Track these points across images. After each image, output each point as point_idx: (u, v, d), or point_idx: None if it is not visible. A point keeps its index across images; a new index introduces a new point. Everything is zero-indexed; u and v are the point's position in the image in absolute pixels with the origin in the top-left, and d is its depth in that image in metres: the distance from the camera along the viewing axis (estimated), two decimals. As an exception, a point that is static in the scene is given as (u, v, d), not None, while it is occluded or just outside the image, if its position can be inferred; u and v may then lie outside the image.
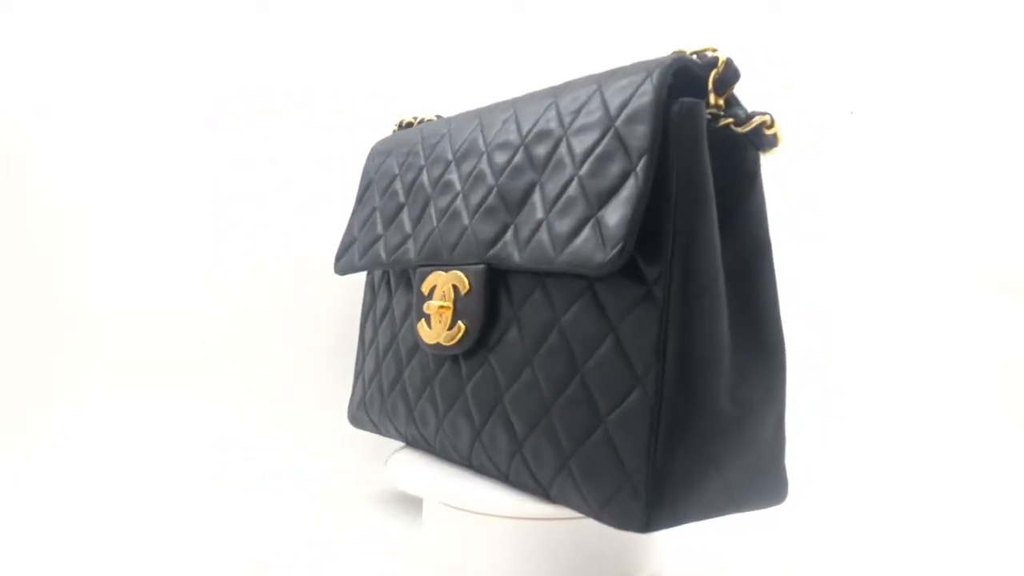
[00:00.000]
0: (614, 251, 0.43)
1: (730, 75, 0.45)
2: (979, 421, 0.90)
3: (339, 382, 0.82)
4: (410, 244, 0.61)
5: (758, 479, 0.47)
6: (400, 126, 0.74)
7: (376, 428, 0.69)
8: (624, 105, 0.45)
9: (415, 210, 0.62)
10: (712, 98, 0.45)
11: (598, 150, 0.46)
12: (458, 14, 0.93)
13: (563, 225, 0.47)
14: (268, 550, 0.59)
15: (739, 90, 0.47)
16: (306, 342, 0.89)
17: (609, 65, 0.50)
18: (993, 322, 0.96)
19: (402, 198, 0.65)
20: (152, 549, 0.59)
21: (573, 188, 0.47)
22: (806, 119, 0.94)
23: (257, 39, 0.91)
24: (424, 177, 0.63)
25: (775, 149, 0.46)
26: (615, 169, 0.45)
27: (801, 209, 0.95)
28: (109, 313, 0.87)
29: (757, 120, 0.45)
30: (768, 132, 0.46)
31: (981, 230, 0.97)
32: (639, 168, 0.43)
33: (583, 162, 0.47)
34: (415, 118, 0.73)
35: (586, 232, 0.45)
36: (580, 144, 0.48)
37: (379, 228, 0.67)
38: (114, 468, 0.77)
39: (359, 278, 0.78)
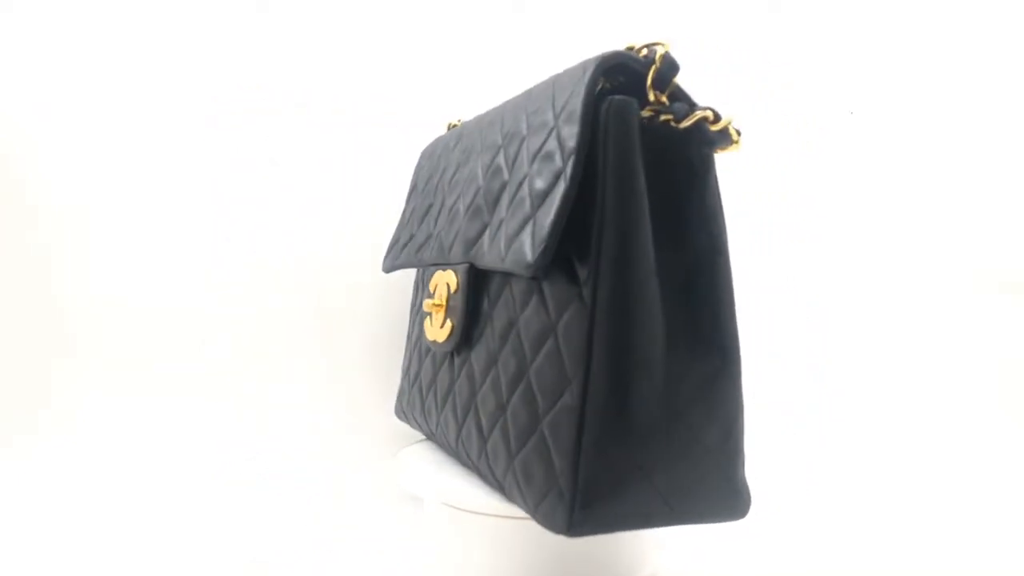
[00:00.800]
0: (539, 252, 0.43)
1: (668, 70, 0.44)
2: (979, 421, 0.90)
3: (339, 383, 0.82)
4: (431, 242, 0.63)
5: (699, 490, 0.44)
6: (448, 128, 0.76)
7: (408, 420, 0.70)
8: (564, 104, 0.45)
9: (435, 210, 0.64)
10: (652, 95, 0.44)
11: (543, 150, 0.46)
12: (459, 13, 0.93)
13: (512, 225, 0.47)
14: (268, 550, 0.59)
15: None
16: (306, 342, 0.89)
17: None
18: (993, 322, 0.96)
19: (430, 198, 0.66)
20: (153, 549, 0.59)
21: (524, 188, 0.47)
22: (806, 119, 0.94)
23: (257, 39, 0.91)
24: (443, 177, 0.64)
25: (733, 146, 0.44)
26: (551, 169, 0.44)
27: (801, 209, 0.95)
28: (108, 313, 0.87)
29: (697, 115, 0.43)
30: (714, 128, 0.43)
31: (981, 230, 0.97)
32: (568, 168, 0.43)
33: (532, 162, 0.47)
34: (459, 120, 0.74)
35: (525, 232, 0.45)
36: (533, 145, 0.48)
37: (412, 227, 0.68)
38: (114, 468, 0.77)
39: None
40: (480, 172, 0.54)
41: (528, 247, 0.44)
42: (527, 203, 0.46)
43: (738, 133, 0.43)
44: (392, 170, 0.86)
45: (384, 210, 0.85)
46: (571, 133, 0.43)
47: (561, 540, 0.51)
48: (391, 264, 0.71)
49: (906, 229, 0.97)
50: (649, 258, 0.43)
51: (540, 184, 0.45)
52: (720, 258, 0.45)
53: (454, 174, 0.61)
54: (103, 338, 0.87)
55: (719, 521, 0.45)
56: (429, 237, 0.63)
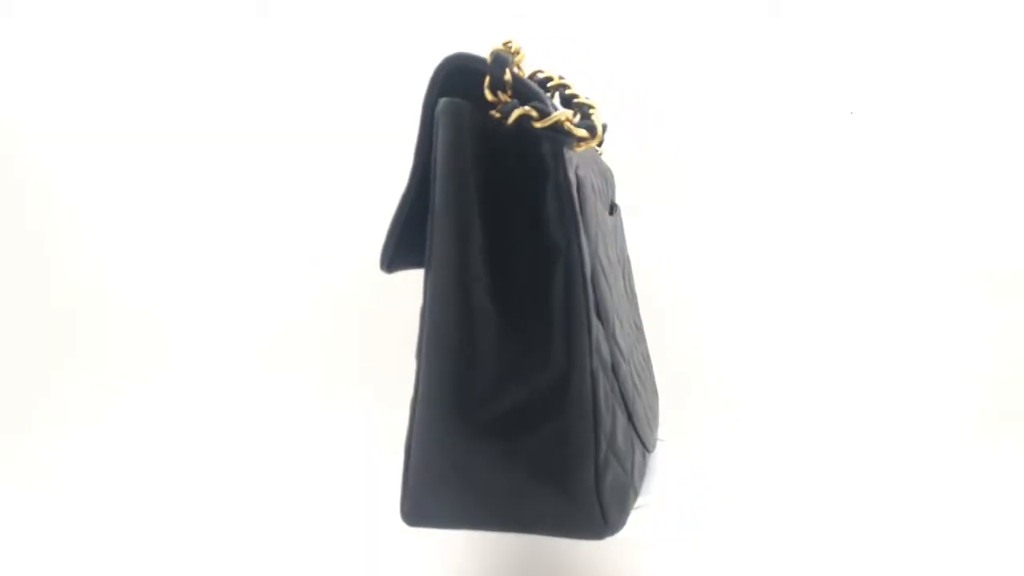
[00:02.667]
0: (381, 250, 0.45)
1: (497, 69, 0.42)
2: (979, 421, 0.90)
3: (339, 383, 0.82)
4: None
5: (527, 498, 0.43)
6: None
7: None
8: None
9: None
10: (490, 95, 0.42)
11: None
12: (461, 17, 0.93)
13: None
14: (269, 550, 0.59)
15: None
16: (303, 342, 0.89)
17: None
18: (993, 322, 0.96)
19: None
20: (153, 549, 0.59)
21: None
22: (806, 119, 0.94)
23: (257, 39, 0.91)
24: None
25: (580, 144, 0.41)
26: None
27: (801, 209, 0.95)
28: (108, 313, 0.87)
29: (516, 113, 0.41)
30: (539, 125, 0.41)
31: (981, 230, 0.97)
32: (409, 173, 0.44)
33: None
34: None
35: (396, 235, 0.47)
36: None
37: None
38: (115, 468, 0.77)
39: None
40: None
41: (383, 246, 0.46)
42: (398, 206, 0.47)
43: (587, 129, 0.41)
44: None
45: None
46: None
47: (559, 541, 0.51)
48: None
49: (906, 229, 0.97)
50: (475, 260, 0.42)
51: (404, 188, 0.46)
52: (559, 263, 0.42)
53: None
54: (102, 337, 0.87)
55: (568, 536, 0.44)
56: None
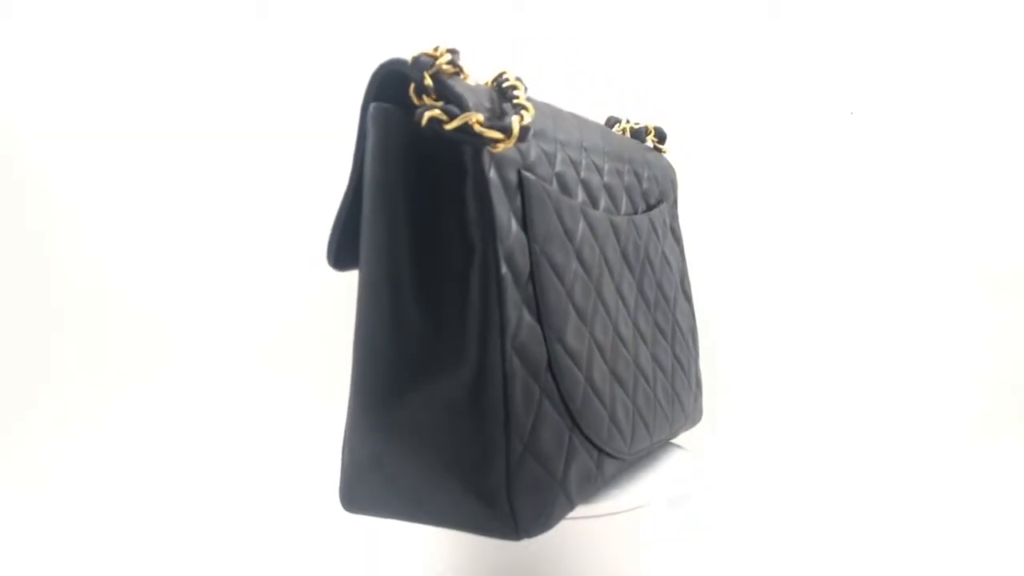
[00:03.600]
0: (330, 253, 0.48)
1: (416, 74, 0.42)
2: (979, 421, 0.90)
3: (339, 383, 0.82)
4: None
5: (440, 493, 0.43)
6: None
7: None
8: None
9: None
10: (415, 99, 0.43)
11: None
12: (460, 17, 0.93)
13: None
14: (269, 550, 0.59)
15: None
16: (303, 342, 0.89)
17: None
18: (993, 322, 0.96)
19: None
20: (153, 549, 0.59)
21: None
22: (806, 119, 0.94)
23: (256, 39, 0.91)
24: None
25: (498, 145, 0.41)
26: None
27: (801, 209, 0.95)
28: (108, 313, 0.87)
29: (427, 116, 0.41)
30: (449, 127, 0.41)
31: (981, 230, 0.97)
32: (349, 175, 0.46)
33: None
34: None
35: (338, 234, 0.48)
36: None
37: None
38: (115, 468, 0.77)
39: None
40: None
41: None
42: None
43: (500, 130, 0.41)
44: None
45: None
46: None
47: (559, 541, 0.52)
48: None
49: (906, 229, 0.97)
50: (401, 261, 0.43)
51: None
52: (475, 264, 0.42)
53: None
54: (103, 338, 0.87)
55: (481, 534, 0.44)
56: None
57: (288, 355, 0.89)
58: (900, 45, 0.95)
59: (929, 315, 0.97)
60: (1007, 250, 0.97)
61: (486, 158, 0.42)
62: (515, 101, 0.44)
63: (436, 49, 0.43)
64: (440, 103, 0.41)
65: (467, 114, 0.40)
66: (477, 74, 0.43)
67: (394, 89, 0.43)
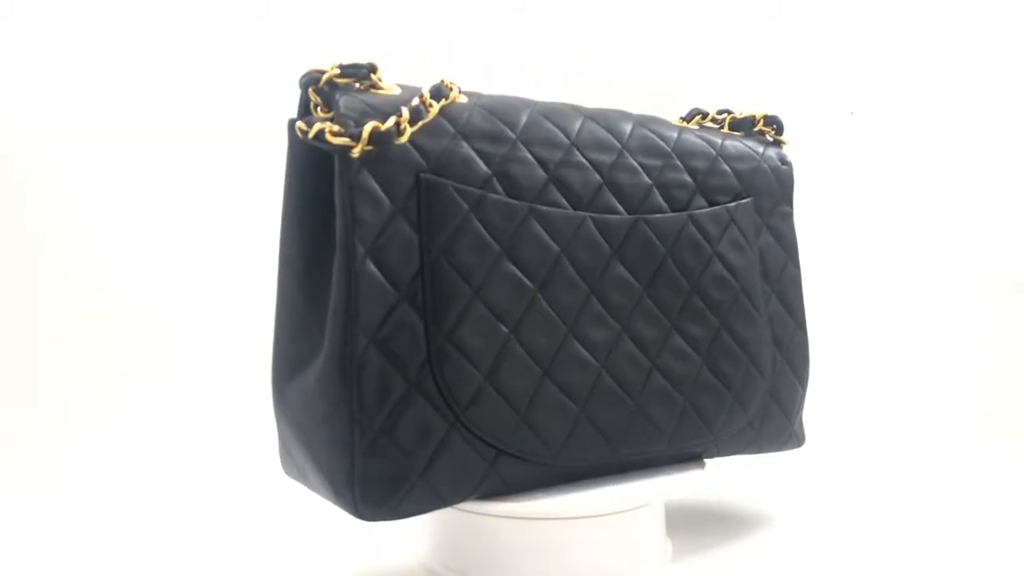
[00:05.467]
0: None
1: (310, 83, 0.47)
2: (979, 421, 0.90)
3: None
4: None
5: (310, 468, 0.47)
6: None
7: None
8: None
9: None
10: (314, 111, 0.48)
11: None
12: (460, 17, 0.93)
13: None
14: (268, 551, 0.59)
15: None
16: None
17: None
18: (993, 322, 0.96)
19: None
20: (154, 549, 0.59)
21: None
22: (806, 119, 0.94)
23: (257, 39, 0.91)
24: None
25: (355, 151, 0.44)
26: None
27: (800, 209, 0.95)
28: (108, 313, 0.88)
29: (297, 127, 0.44)
30: (309, 137, 0.44)
31: (982, 230, 0.97)
32: None
33: None
34: None
35: None
36: None
37: None
38: (115, 468, 0.77)
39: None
40: None
41: None
42: None
43: (350, 137, 0.43)
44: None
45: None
46: None
47: (560, 541, 0.52)
48: None
49: (906, 229, 0.97)
50: (297, 258, 0.49)
51: None
52: (336, 260, 0.45)
53: None
54: (103, 338, 0.87)
55: (344, 510, 0.46)
56: None
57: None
58: (900, 45, 0.95)
59: (930, 315, 0.97)
60: (1007, 250, 0.97)
61: (354, 164, 0.45)
62: (412, 104, 0.46)
63: (335, 65, 0.47)
64: (330, 115, 0.46)
65: (318, 124, 0.43)
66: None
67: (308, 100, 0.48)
